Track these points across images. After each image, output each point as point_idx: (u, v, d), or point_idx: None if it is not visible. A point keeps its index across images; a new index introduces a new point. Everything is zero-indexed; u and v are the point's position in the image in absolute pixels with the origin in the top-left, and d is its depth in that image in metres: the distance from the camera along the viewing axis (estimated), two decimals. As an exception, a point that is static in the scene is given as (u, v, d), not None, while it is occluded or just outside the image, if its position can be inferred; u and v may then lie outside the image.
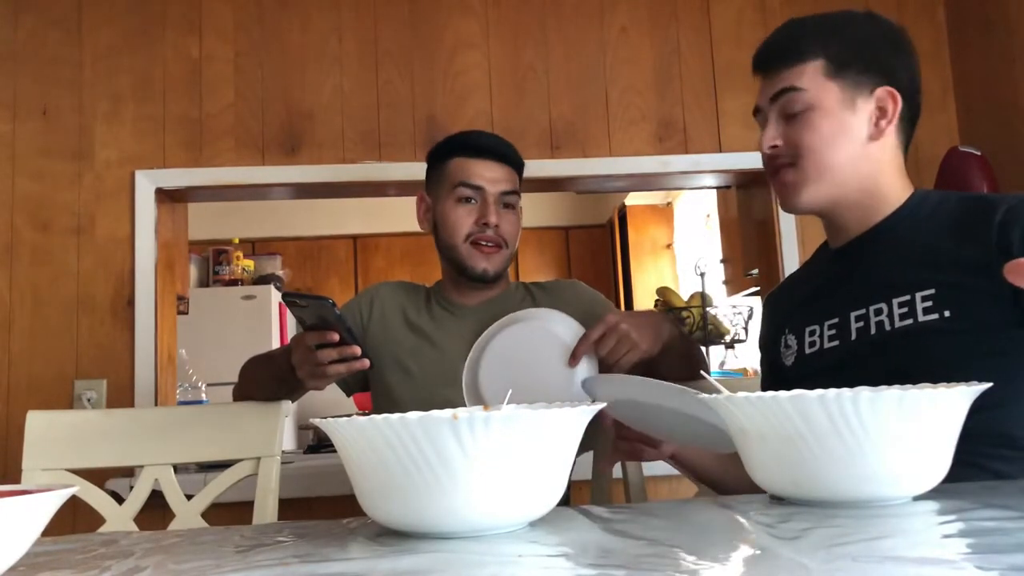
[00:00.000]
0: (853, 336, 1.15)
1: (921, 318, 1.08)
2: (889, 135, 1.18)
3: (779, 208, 2.44)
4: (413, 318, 1.63)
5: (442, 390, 1.49)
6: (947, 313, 1.06)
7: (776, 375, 1.29)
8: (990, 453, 1.01)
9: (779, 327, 1.30)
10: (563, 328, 1.37)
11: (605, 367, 1.33)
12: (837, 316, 1.18)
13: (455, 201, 1.56)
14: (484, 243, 1.54)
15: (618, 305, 5.29)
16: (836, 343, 1.17)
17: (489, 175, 1.55)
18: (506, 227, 1.56)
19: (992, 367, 1.00)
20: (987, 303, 1.05)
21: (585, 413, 0.70)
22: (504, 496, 0.66)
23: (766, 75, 1.22)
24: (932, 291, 1.08)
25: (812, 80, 1.16)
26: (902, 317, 1.10)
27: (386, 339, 1.60)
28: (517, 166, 1.62)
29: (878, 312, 1.13)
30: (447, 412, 0.67)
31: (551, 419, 0.67)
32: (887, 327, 1.11)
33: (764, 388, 1.35)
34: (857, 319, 1.15)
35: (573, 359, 1.32)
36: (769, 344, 1.34)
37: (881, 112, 1.17)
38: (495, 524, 0.68)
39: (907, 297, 1.10)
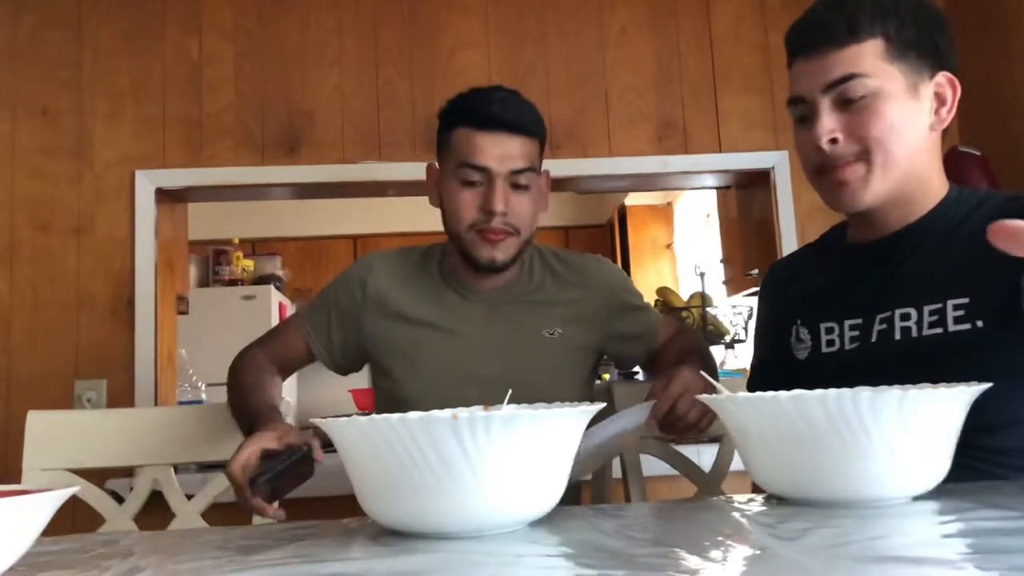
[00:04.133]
0: (874, 339, 1.08)
1: (951, 328, 1.01)
2: (945, 125, 1.08)
3: (779, 208, 2.45)
4: (419, 302, 1.44)
5: (457, 391, 1.32)
6: (980, 324, 0.99)
7: (784, 363, 1.21)
8: (996, 460, 0.96)
9: (789, 316, 1.22)
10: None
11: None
12: (860, 317, 1.10)
13: (459, 183, 1.34)
14: (490, 233, 1.34)
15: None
16: (856, 344, 1.10)
17: (497, 151, 1.32)
18: (519, 210, 1.35)
19: (1019, 385, 0.93)
20: (1021, 314, 0.96)
21: (585, 413, 0.70)
22: (505, 496, 0.66)
23: (811, 57, 1.06)
24: (966, 300, 1.00)
25: (873, 64, 1.03)
26: (931, 325, 1.03)
27: (385, 326, 1.43)
28: (535, 134, 1.37)
29: (905, 317, 1.05)
30: (447, 412, 0.67)
31: (551, 419, 0.67)
32: (914, 334, 1.04)
33: (763, 371, 1.28)
34: (881, 321, 1.08)
35: (651, 419, 1.12)
36: (774, 329, 1.26)
37: (940, 100, 1.07)
38: (495, 524, 0.68)
39: (939, 305, 1.02)
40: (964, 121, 2.46)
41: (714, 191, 3.09)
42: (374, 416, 0.65)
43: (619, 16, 2.52)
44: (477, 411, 0.69)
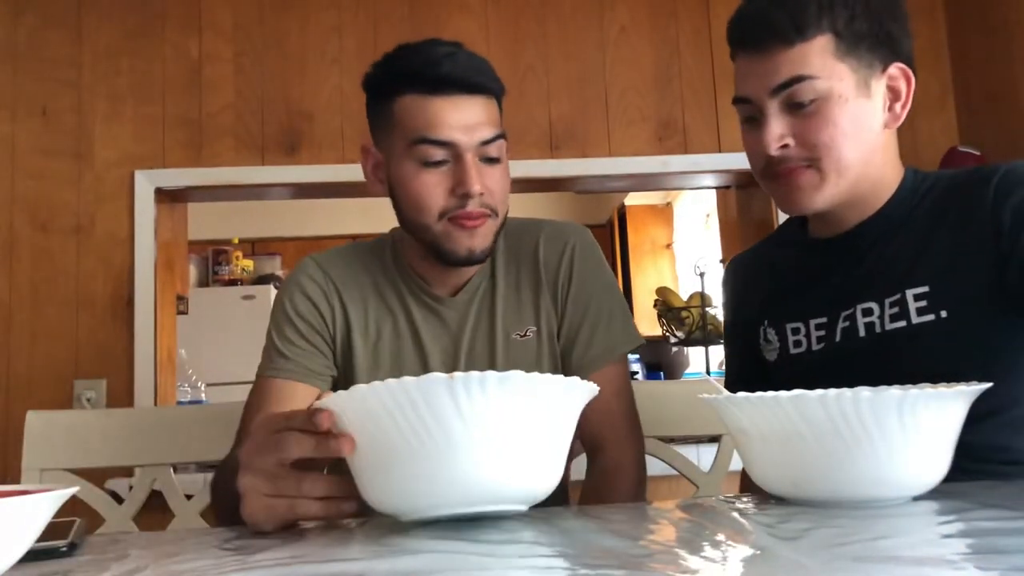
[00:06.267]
0: (839, 338, 1.05)
1: (915, 319, 0.98)
2: (900, 122, 1.03)
3: (779, 209, 2.45)
4: (388, 318, 1.20)
5: None
6: (943, 313, 0.96)
7: (756, 363, 1.18)
8: (990, 471, 0.93)
9: (756, 316, 1.18)
10: None
11: None
12: (825, 316, 1.07)
13: (417, 165, 1.08)
14: (466, 219, 1.09)
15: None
16: (822, 345, 1.07)
17: (461, 119, 1.07)
18: (494, 188, 1.10)
19: (991, 373, 0.90)
20: (985, 298, 0.95)
21: (583, 386, 0.70)
22: (503, 465, 0.65)
23: (756, 56, 1.00)
24: (926, 288, 0.98)
25: (822, 63, 0.96)
26: (893, 318, 1.00)
27: (347, 343, 1.20)
28: (496, 93, 1.13)
29: (867, 312, 1.02)
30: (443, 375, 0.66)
31: (547, 381, 0.66)
32: (877, 329, 1.01)
33: (738, 372, 1.25)
34: (844, 319, 1.05)
35: None
36: (743, 328, 1.21)
37: (894, 94, 1.02)
38: (494, 497, 0.67)
39: (897, 296, 1.00)
40: (964, 121, 2.46)
41: (714, 191, 3.09)
42: (373, 383, 0.64)
43: (619, 16, 2.52)
44: (473, 372, 0.67)
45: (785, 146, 1.00)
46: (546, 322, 1.21)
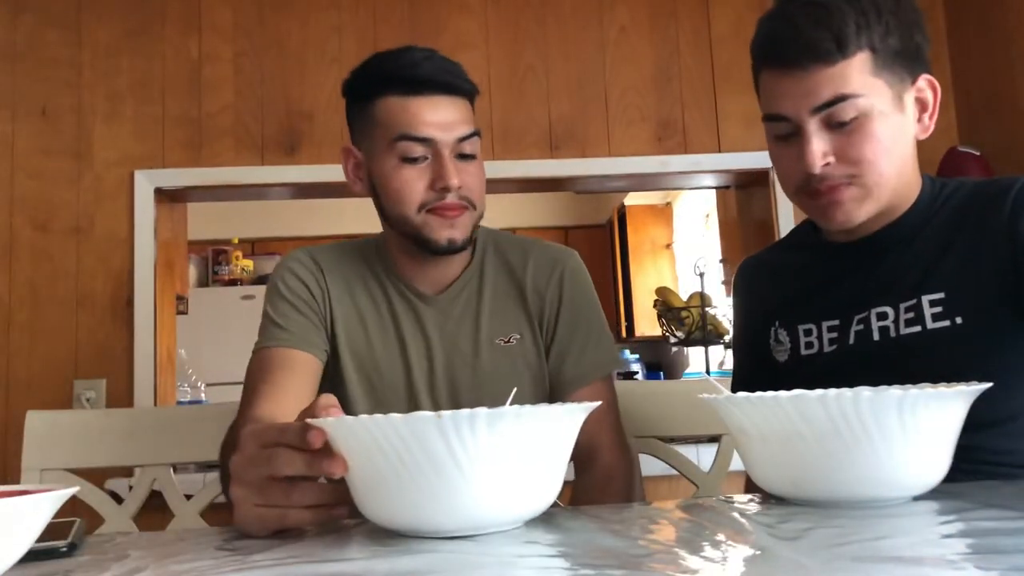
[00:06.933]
0: (851, 340, 1.06)
1: (930, 325, 0.99)
2: (929, 132, 1.04)
3: (778, 208, 2.45)
4: (372, 311, 1.25)
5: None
6: (959, 320, 0.98)
7: (765, 367, 1.19)
8: (992, 472, 0.94)
9: (766, 317, 1.19)
10: None
11: None
12: (837, 318, 1.08)
13: (398, 161, 1.15)
14: (445, 210, 1.16)
15: (617, 306, 5.29)
16: (835, 347, 1.08)
17: (438, 118, 1.14)
18: (471, 182, 1.17)
19: (1004, 380, 0.88)
20: (1000, 306, 0.97)
21: (573, 411, 0.69)
22: (496, 495, 0.65)
23: (793, 74, 0.99)
24: (942, 295, 0.99)
25: (862, 81, 0.97)
26: (908, 323, 1.01)
27: (344, 339, 1.24)
28: (470, 94, 1.20)
29: (882, 316, 1.03)
30: (431, 413, 0.66)
31: (537, 417, 0.66)
32: (892, 334, 1.02)
33: (745, 375, 1.25)
34: (858, 322, 1.05)
35: None
36: (753, 331, 1.22)
37: (922, 105, 1.03)
38: (489, 523, 0.67)
39: (913, 301, 1.01)
40: (964, 121, 2.46)
41: (713, 191, 3.09)
42: (362, 416, 0.64)
43: (619, 16, 2.52)
44: (463, 411, 0.67)
45: (827, 163, 1.00)
46: (530, 335, 1.25)
